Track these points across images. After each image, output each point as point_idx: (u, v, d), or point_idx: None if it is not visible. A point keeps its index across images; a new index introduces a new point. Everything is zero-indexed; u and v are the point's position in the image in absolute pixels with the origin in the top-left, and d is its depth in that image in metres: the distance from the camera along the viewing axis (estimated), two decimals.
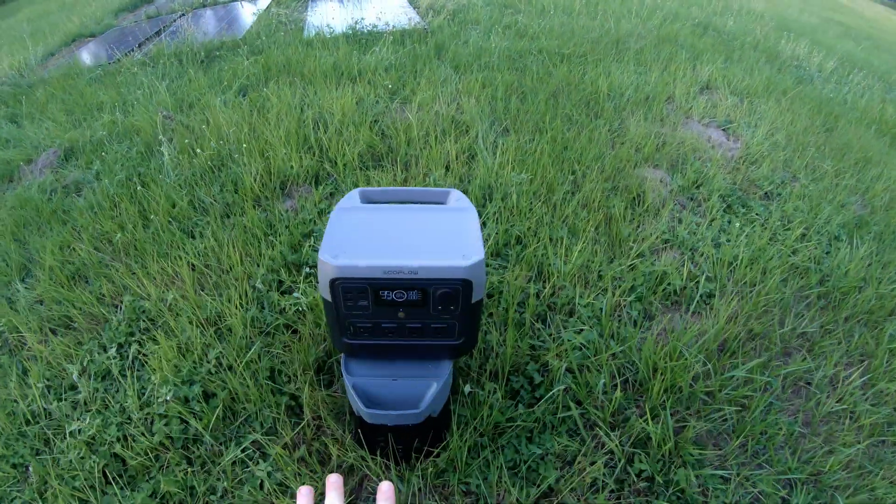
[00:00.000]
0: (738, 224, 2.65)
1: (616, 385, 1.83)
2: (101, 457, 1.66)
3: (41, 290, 2.35)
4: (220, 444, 1.66)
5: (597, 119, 3.59)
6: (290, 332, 1.96)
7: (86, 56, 6.34)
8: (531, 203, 2.62)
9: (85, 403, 1.85)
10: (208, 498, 1.54)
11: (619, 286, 2.19)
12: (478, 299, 1.23)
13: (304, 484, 1.28)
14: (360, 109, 3.57)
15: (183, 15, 7.72)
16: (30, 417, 1.83)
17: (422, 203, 1.41)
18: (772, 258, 2.43)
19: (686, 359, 1.88)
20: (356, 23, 5.75)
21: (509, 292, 2.09)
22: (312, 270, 2.21)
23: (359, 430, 1.49)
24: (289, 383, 1.79)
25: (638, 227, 2.61)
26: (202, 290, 2.15)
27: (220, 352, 1.84)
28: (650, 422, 1.66)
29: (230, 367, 1.81)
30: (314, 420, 1.70)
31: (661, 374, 1.82)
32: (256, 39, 5.52)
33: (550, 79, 4.14)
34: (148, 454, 1.65)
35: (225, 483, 1.55)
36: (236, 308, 2.00)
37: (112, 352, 1.98)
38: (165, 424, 1.69)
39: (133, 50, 6.04)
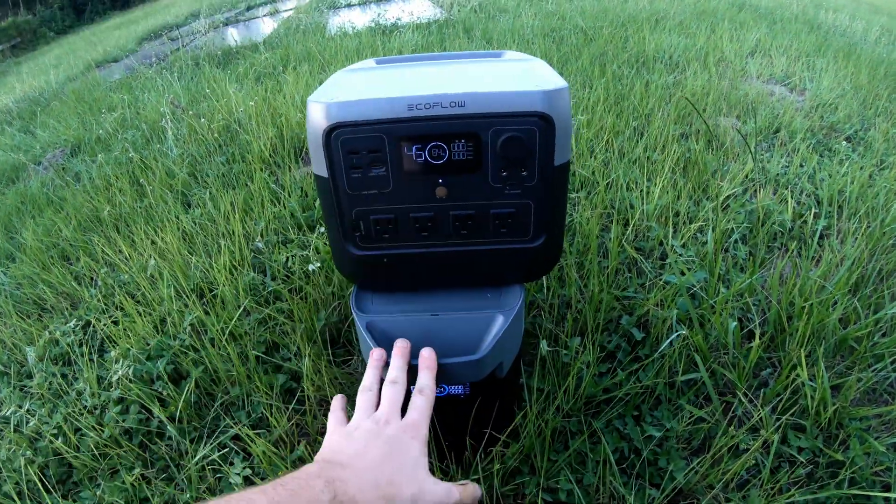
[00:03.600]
0: (830, 162, 2.23)
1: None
2: (41, 455, 1.23)
3: (18, 272, 1.98)
4: (190, 439, 1.18)
5: (649, 74, 3.19)
6: (297, 295, 1.48)
7: (105, 73, 6.15)
8: (592, 147, 2.13)
9: (39, 389, 1.42)
10: None
11: (716, 227, 1.67)
12: (563, 161, 0.74)
13: None
14: None
15: (205, 34, 7.56)
16: None
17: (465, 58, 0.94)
18: (882, 190, 1.93)
19: (831, 294, 1.35)
20: (378, 16, 5.41)
21: (584, 234, 1.58)
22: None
23: None
24: (289, 360, 1.30)
25: (721, 165, 2.15)
26: (191, 255, 1.69)
27: (198, 318, 1.37)
28: (805, 378, 1.12)
29: (213, 341, 1.33)
30: (319, 406, 1.21)
31: (800, 316, 1.30)
32: (276, 38, 5.21)
33: (592, 45, 3.72)
34: (95, 451, 1.18)
35: (188, 494, 1.06)
36: (228, 272, 1.53)
37: (77, 330, 1.54)
38: (121, 412, 1.23)
39: (152, 64, 5.83)
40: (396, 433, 0.61)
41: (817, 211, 1.88)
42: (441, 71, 0.82)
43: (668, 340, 1.18)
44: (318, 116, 0.70)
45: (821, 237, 1.76)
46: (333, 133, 0.70)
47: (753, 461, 1.02)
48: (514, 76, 0.77)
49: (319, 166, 0.74)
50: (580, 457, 1.05)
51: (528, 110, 0.68)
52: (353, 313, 0.84)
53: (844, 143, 2.50)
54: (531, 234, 0.78)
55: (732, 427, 1.10)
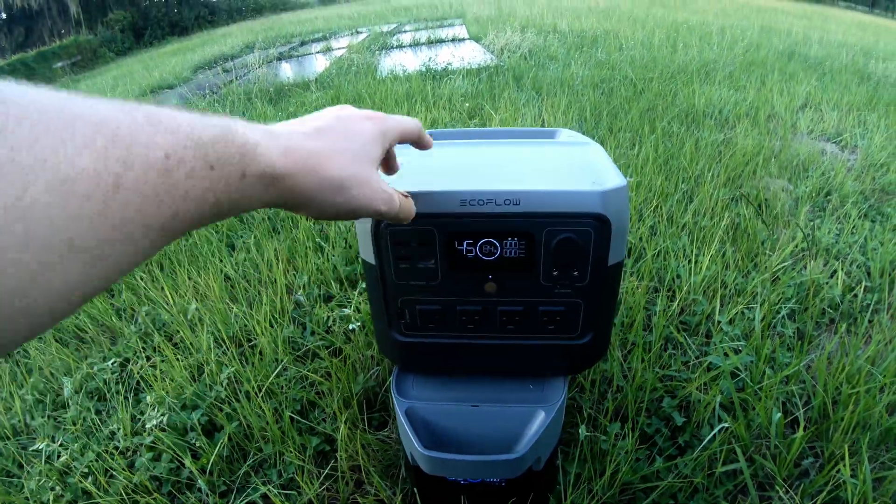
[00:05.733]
0: (882, 229, 2.16)
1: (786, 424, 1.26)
2: (70, 491, 1.23)
3: None
4: (220, 493, 1.17)
5: (699, 131, 3.15)
6: (336, 356, 1.48)
7: (159, 100, 6.38)
8: (641, 211, 2.10)
9: (73, 423, 1.44)
10: None
11: (765, 301, 1.62)
12: (617, 261, 0.72)
13: None
14: (436, 128, 3.18)
15: (258, 67, 7.81)
16: (9, 433, 1.45)
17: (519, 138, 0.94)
18: None
19: (879, 381, 1.30)
20: (429, 60, 5.52)
21: (630, 307, 1.55)
22: None
23: (415, 490, 0.97)
24: (324, 422, 1.29)
25: (770, 234, 2.09)
26: (232, 303, 1.71)
27: (236, 371, 1.37)
28: (847, 476, 1.06)
29: (248, 395, 1.33)
30: (352, 473, 1.19)
31: (845, 404, 1.24)
32: (328, 78, 5.34)
33: (641, 97, 3.71)
34: (124, 496, 1.18)
35: None
36: (268, 324, 1.54)
37: (115, 367, 1.57)
38: (153, 459, 1.23)
39: (205, 95, 6.03)
40: (352, 114, 0.52)
41: (868, 284, 1.81)
42: (496, 157, 0.82)
43: (711, 434, 1.14)
44: None
45: (874, 310, 1.69)
46: (383, 223, 0.70)
47: None
48: (571, 169, 0.76)
49: (367, 252, 0.74)
50: None
51: (584, 211, 0.67)
52: (394, 398, 0.83)
53: None
54: (579, 331, 0.76)
55: None
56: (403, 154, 0.87)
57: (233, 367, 1.38)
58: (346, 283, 1.76)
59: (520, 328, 0.76)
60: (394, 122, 0.55)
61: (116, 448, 1.33)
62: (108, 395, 1.50)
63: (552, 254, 0.69)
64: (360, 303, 1.60)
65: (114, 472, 1.25)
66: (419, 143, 0.62)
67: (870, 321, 1.63)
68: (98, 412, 1.48)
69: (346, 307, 1.59)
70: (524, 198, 0.67)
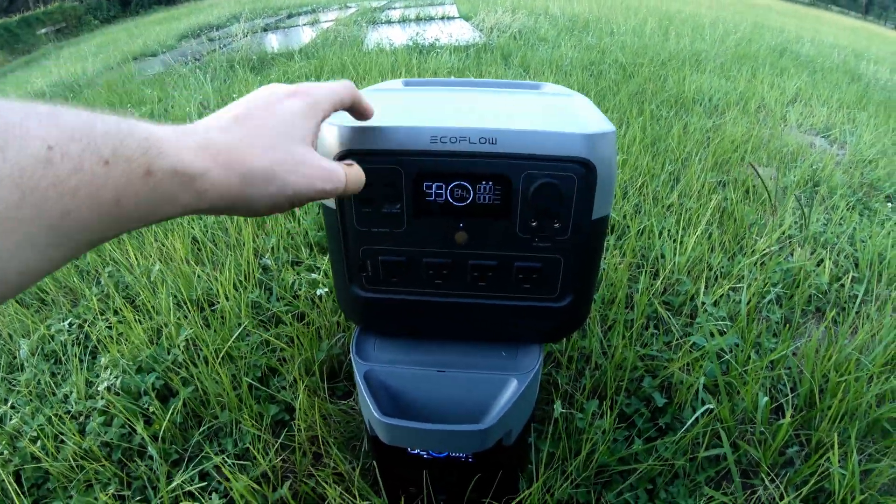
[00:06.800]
0: (870, 223, 2.14)
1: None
2: (19, 456, 1.16)
3: None
4: (172, 462, 1.10)
5: (688, 116, 3.12)
6: (301, 322, 1.40)
7: (141, 66, 6.21)
8: (626, 189, 2.05)
9: (27, 386, 1.36)
10: None
11: (750, 285, 1.57)
12: (602, 215, 0.65)
13: None
14: None
15: (244, 37, 7.62)
16: None
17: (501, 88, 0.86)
18: None
19: (869, 370, 1.26)
20: (417, 35, 5.40)
21: (612, 283, 1.49)
22: None
23: (374, 463, 0.90)
24: (284, 390, 1.22)
25: (759, 219, 2.06)
26: (197, 265, 1.62)
27: (194, 334, 1.29)
28: (836, 466, 1.02)
29: (206, 360, 1.25)
30: (311, 444, 1.11)
31: (833, 393, 1.20)
32: (312, 48, 5.21)
33: (630, 81, 3.67)
34: (72, 462, 1.11)
35: None
36: (232, 287, 1.46)
37: (73, 329, 1.48)
38: (104, 424, 1.15)
39: (188, 62, 5.87)
40: (273, 92, 0.46)
41: (855, 275, 1.78)
42: (473, 100, 0.75)
43: (695, 416, 1.08)
44: (329, 140, 0.62)
45: (858, 302, 1.65)
46: (344, 161, 0.62)
47: None
48: (554, 114, 0.68)
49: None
50: None
51: (567, 155, 0.60)
52: (353, 360, 0.75)
53: (886, 203, 2.43)
54: (557, 292, 0.69)
55: None
56: (383, 90, 0.80)
57: (191, 328, 1.29)
58: (316, 249, 1.68)
59: (492, 286, 0.69)
60: (323, 92, 0.48)
61: (68, 412, 1.25)
62: (64, 358, 1.41)
63: (531, 201, 0.62)
64: (329, 268, 1.52)
65: (64, 438, 1.17)
66: (357, 111, 0.55)
67: (857, 312, 1.59)
68: (53, 375, 1.40)
69: (314, 273, 1.51)
70: (502, 137, 0.60)
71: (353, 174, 0.50)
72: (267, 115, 0.43)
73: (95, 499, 1.06)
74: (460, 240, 0.66)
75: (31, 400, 1.31)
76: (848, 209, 2.24)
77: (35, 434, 1.20)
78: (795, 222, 2.05)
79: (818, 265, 1.79)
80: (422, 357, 0.76)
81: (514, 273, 0.68)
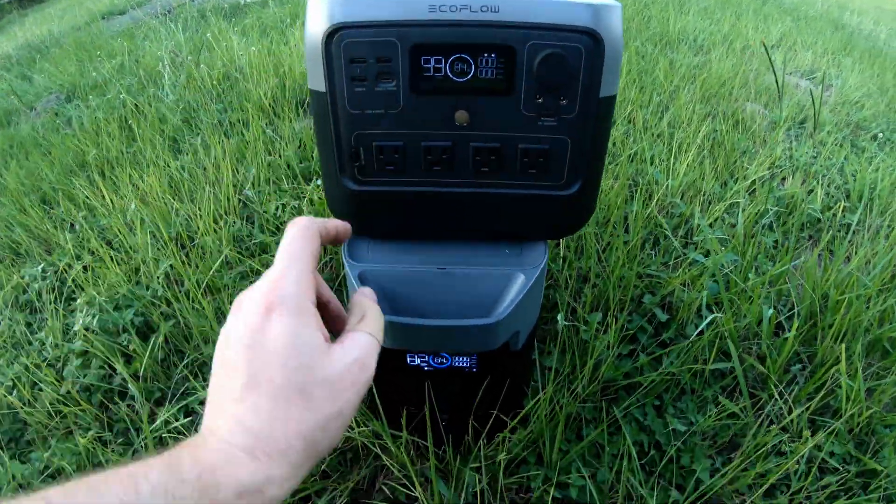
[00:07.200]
0: (858, 158, 2.13)
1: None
2: None
3: None
4: (155, 400, 1.05)
5: (673, 53, 3.09)
6: None
7: (110, 25, 5.96)
8: (614, 116, 2.01)
9: (1, 337, 1.30)
10: None
11: (745, 209, 1.54)
12: (610, 94, 0.60)
13: None
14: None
15: None
16: None
17: None
18: None
19: (869, 287, 1.24)
20: None
21: (607, 205, 1.45)
22: None
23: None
24: None
25: (750, 149, 2.05)
26: (175, 201, 1.55)
27: (174, 267, 1.23)
28: (844, 378, 1.00)
29: (188, 294, 1.20)
30: None
31: (834, 310, 1.18)
32: None
33: None
34: (50, 410, 1.06)
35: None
36: (212, 221, 1.39)
37: (48, 275, 1.42)
38: (81, 367, 1.10)
39: (158, 15, 5.64)
40: (248, 323, 0.36)
41: (847, 204, 1.77)
42: None
43: (701, 326, 1.05)
44: (317, 16, 0.56)
45: (851, 231, 1.65)
46: (336, 36, 0.56)
47: (796, 467, 0.90)
48: None
49: (316, 79, 0.60)
50: (595, 449, 0.92)
51: (575, 24, 0.55)
52: (344, 261, 0.70)
53: (872, 141, 2.41)
54: (565, 178, 0.64)
55: (763, 427, 0.97)
56: None
57: (170, 261, 1.23)
58: (300, 178, 1.61)
59: (496, 171, 0.63)
60: (293, 282, 0.38)
61: (44, 359, 1.19)
62: (39, 306, 1.35)
63: (536, 74, 0.57)
64: (314, 193, 1.45)
65: (41, 386, 1.11)
66: (332, 240, 0.47)
67: (850, 242, 1.58)
68: (28, 324, 1.34)
69: (299, 200, 1.45)
70: (505, 5, 0.55)
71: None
72: (268, 362, 0.34)
73: (76, 445, 1.01)
74: (461, 120, 0.60)
75: (6, 350, 1.26)
76: (836, 145, 2.22)
77: (10, 384, 1.14)
78: (784, 152, 2.02)
79: (809, 194, 1.77)
80: (420, 257, 0.71)
81: (519, 156, 0.62)
